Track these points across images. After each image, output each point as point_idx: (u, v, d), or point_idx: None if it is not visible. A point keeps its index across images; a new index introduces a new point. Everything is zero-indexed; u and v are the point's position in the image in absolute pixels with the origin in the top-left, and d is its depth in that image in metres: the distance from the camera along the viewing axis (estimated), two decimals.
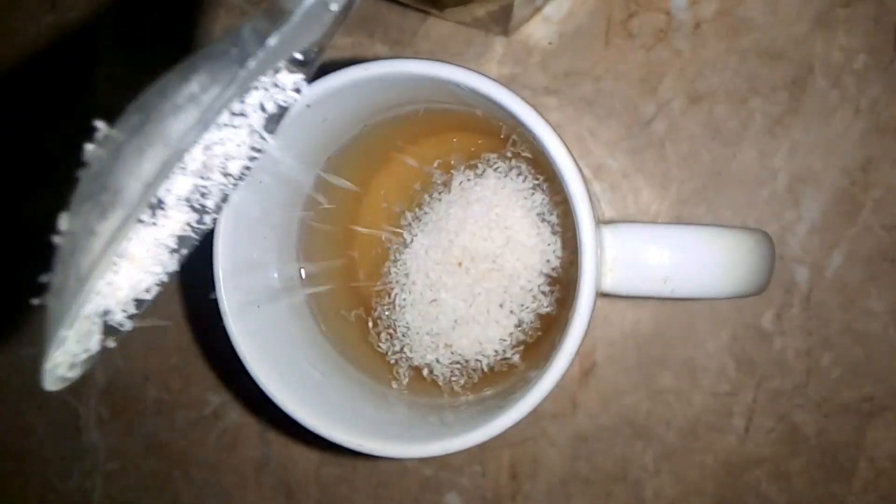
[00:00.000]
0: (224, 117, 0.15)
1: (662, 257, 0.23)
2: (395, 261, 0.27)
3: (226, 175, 0.15)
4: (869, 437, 0.31)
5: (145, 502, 0.37)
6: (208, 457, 0.36)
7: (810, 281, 0.32)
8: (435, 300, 0.26)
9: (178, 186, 0.15)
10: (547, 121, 0.22)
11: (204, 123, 0.14)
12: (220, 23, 0.35)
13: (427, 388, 0.27)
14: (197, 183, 0.15)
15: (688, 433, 0.33)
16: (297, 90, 0.17)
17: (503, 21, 0.31)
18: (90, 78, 0.37)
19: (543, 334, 0.27)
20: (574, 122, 0.32)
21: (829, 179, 0.31)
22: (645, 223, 0.27)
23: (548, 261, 0.26)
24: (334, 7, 0.15)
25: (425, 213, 0.27)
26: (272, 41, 0.15)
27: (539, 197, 0.26)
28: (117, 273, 0.14)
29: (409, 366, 0.27)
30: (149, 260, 0.14)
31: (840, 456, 0.32)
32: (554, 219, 0.26)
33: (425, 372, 0.27)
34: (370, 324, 0.28)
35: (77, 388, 0.37)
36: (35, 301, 0.14)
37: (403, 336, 0.27)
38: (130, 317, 0.15)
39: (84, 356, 0.15)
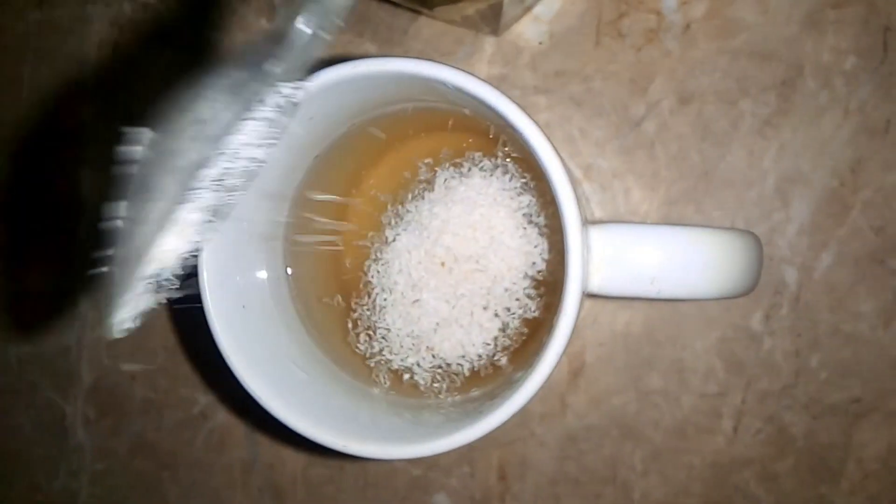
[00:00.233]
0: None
1: (650, 258, 0.23)
2: (377, 259, 0.27)
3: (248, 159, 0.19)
4: (857, 438, 0.31)
5: (132, 502, 0.37)
6: (196, 457, 0.36)
7: (799, 282, 0.32)
8: (417, 300, 0.26)
9: (209, 175, 0.18)
10: (534, 120, 0.21)
11: (221, 137, 0.18)
12: (211, 24, 0.35)
13: (411, 390, 0.27)
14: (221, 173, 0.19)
15: (676, 434, 0.32)
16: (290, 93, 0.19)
17: (493, 20, 0.31)
18: (78, 75, 0.36)
19: (529, 337, 0.26)
20: (564, 122, 0.32)
21: (818, 180, 0.31)
22: (632, 223, 0.27)
23: (533, 263, 0.26)
24: (328, 37, 0.18)
25: (408, 211, 0.27)
26: (277, 69, 0.18)
27: (527, 198, 0.26)
28: (166, 244, 0.18)
29: (389, 369, 0.27)
30: (190, 230, 0.18)
31: (828, 457, 0.32)
32: (542, 220, 0.26)
33: (406, 377, 0.27)
34: (349, 325, 0.28)
35: (63, 387, 0.37)
36: (98, 271, 0.18)
37: (383, 338, 0.27)
38: (177, 277, 0.18)
39: (143, 309, 0.19)
